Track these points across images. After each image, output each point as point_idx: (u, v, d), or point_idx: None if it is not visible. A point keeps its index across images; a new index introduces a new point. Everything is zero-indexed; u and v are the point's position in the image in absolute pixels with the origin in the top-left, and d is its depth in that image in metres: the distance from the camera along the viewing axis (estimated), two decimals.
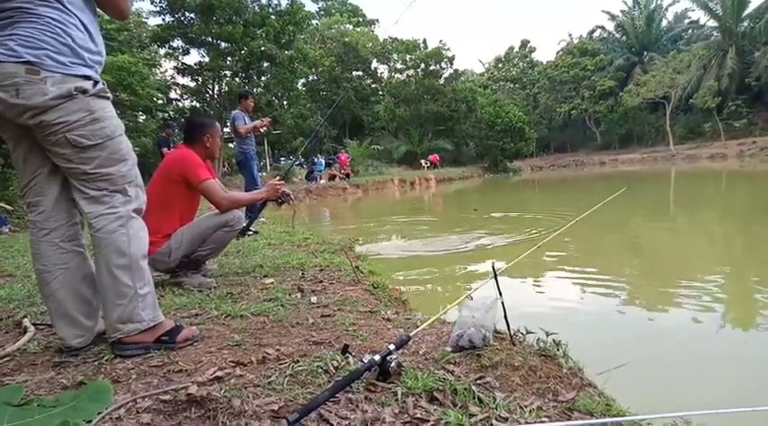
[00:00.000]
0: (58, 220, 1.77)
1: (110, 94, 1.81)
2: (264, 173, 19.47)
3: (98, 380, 1.46)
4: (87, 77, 1.71)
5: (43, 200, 1.77)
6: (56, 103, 1.63)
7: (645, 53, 44.06)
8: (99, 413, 1.30)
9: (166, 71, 25.39)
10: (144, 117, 22.89)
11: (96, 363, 1.69)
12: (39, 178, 1.76)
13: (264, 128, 6.67)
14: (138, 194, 1.81)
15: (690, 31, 46.82)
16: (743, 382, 2.38)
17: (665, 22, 47.91)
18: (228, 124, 6.81)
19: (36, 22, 1.62)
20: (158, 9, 21.64)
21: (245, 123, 6.52)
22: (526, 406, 1.35)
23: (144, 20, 24.40)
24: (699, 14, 44.20)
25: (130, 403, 1.37)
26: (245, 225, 4.07)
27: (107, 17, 2.06)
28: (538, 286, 4.74)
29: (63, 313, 1.77)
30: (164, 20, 22.11)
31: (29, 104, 1.60)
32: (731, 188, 15.43)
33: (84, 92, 1.68)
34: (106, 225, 1.72)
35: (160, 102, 23.65)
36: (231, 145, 7.12)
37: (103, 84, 1.79)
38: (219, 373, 1.55)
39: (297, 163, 24.83)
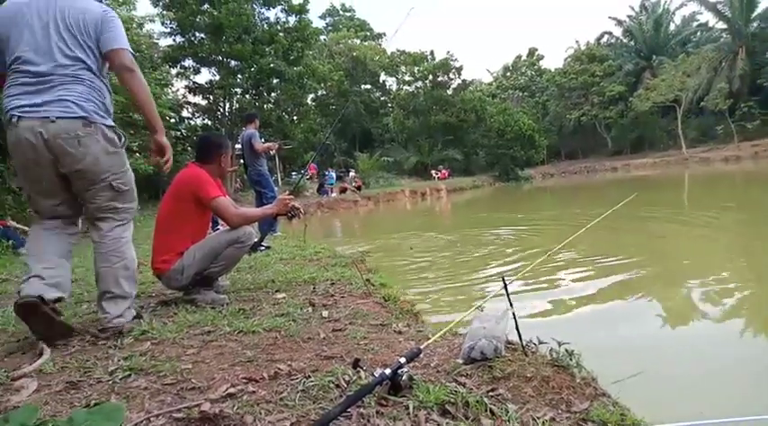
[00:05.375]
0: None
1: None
2: (276, 188, 19.59)
3: (111, 401, 1.48)
4: (115, 130, 2.26)
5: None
6: (110, 151, 2.21)
7: (654, 57, 43.69)
8: None
9: (178, 90, 25.74)
10: None
11: (110, 382, 1.71)
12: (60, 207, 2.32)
13: (273, 152, 7.50)
14: None
15: (698, 33, 46.35)
16: (760, 390, 2.33)
17: (673, 26, 47.51)
18: (241, 141, 7.08)
19: (82, 85, 2.14)
20: (169, 30, 22.12)
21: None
22: (539, 418, 1.34)
23: (155, 41, 24.85)
24: (707, 17, 43.75)
25: (144, 422, 1.38)
26: (256, 240, 4.11)
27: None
28: (550, 295, 4.68)
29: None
30: (174, 40, 22.54)
31: (89, 152, 2.11)
32: (747, 191, 15.20)
33: (120, 140, 2.26)
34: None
35: (173, 120, 23.92)
36: (242, 161, 7.43)
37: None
38: (232, 390, 1.56)
39: (307, 177, 24.95)
